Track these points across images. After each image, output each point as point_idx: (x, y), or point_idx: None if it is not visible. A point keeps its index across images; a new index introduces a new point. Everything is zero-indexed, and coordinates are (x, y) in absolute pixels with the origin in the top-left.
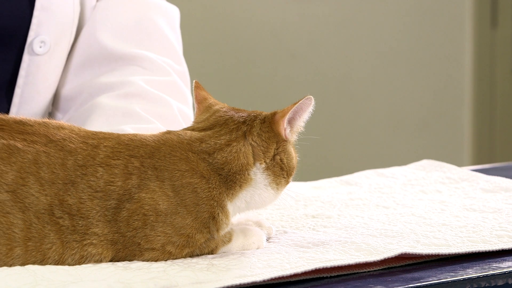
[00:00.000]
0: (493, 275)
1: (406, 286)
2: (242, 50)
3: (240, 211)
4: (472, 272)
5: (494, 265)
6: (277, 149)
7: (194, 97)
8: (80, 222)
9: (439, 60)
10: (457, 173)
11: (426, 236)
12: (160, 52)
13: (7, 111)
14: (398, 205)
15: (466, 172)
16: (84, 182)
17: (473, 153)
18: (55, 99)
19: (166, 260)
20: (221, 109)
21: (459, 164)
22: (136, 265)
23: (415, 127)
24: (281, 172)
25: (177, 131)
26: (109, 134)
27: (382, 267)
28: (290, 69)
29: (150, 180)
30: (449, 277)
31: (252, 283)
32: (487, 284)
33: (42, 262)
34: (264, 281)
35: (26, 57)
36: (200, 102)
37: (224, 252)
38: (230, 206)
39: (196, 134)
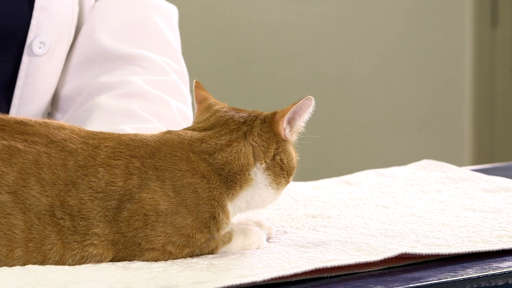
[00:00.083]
0: (493, 275)
1: (406, 286)
2: (242, 50)
3: (241, 211)
4: (472, 272)
5: (494, 265)
6: (277, 149)
7: (194, 97)
8: (81, 222)
9: (439, 60)
10: (457, 173)
11: (426, 236)
12: (159, 51)
13: (6, 112)
14: (398, 205)
15: (466, 172)
16: (85, 183)
17: (473, 153)
18: (54, 99)
19: (166, 260)
20: (222, 109)
21: (459, 164)
22: (136, 265)
23: (415, 127)
24: (281, 172)
25: (178, 131)
26: (110, 134)
27: (382, 267)
28: (290, 69)
29: (151, 180)
30: (449, 277)
31: (252, 283)
32: (487, 284)
33: (43, 263)
34: (264, 281)
35: (25, 58)
36: (200, 102)
37: (224, 252)
38: (231, 206)
39: (196, 134)
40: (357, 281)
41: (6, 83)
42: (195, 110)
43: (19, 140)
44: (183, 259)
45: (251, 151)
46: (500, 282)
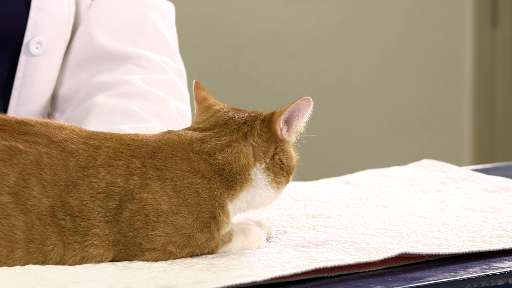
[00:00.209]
0: (493, 275)
1: (406, 286)
2: (242, 50)
3: (241, 211)
4: (472, 272)
5: (494, 265)
6: (276, 149)
7: (194, 97)
8: (81, 223)
9: (439, 60)
10: (457, 173)
11: (426, 236)
12: (156, 50)
13: (4, 112)
14: (398, 204)
15: (466, 172)
16: (86, 184)
17: (473, 153)
18: (52, 99)
19: (166, 260)
20: (222, 110)
21: (459, 164)
22: (136, 264)
23: (415, 127)
24: (281, 171)
25: (178, 131)
26: (110, 134)
27: (382, 267)
28: (290, 69)
29: (151, 180)
30: (449, 277)
31: (252, 283)
32: (487, 284)
33: (43, 263)
34: (264, 281)
35: (22, 58)
36: (200, 102)
37: (224, 252)
38: (231, 206)
39: (197, 134)
40: (357, 281)
41: (3, 83)
42: (195, 110)
43: (20, 140)
44: (183, 259)
45: (251, 151)
46: (500, 282)
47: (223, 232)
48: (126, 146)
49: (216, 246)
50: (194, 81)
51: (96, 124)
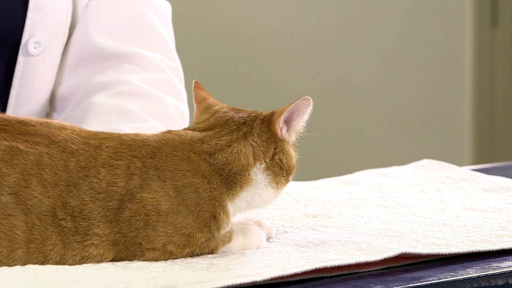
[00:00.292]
0: (493, 274)
1: (406, 285)
2: (242, 50)
3: (241, 211)
4: (472, 271)
5: (494, 264)
6: (275, 149)
7: (193, 97)
8: (82, 223)
9: (439, 60)
10: (457, 173)
11: (426, 236)
12: (153, 48)
13: (3, 112)
14: (398, 204)
15: (466, 172)
16: (86, 184)
17: (473, 153)
18: (50, 99)
19: (166, 260)
20: (221, 110)
21: (459, 163)
22: (136, 264)
23: (415, 127)
24: (280, 171)
25: (178, 131)
26: (111, 134)
27: (382, 267)
28: (290, 69)
29: (152, 180)
30: (449, 276)
31: (252, 282)
32: (487, 284)
33: (43, 263)
34: (264, 280)
35: (21, 58)
36: (199, 102)
37: (224, 252)
38: (231, 206)
39: (197, 134)
40: (357, 280)
41: (2, 83)
42: (195, 110)
43: (20, 140)
44: (183, 259)
45: (251, 151)
46: (500, 282)
47: (223, 231)
48: (127, 146)
49: (216, 246)
50: (193, 81)
51: (95, 124)
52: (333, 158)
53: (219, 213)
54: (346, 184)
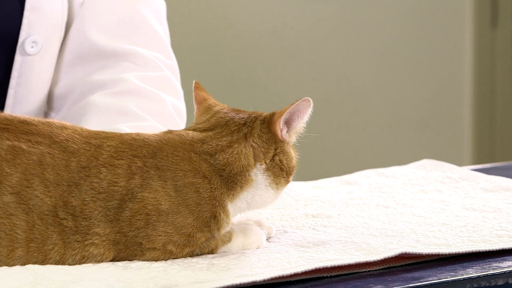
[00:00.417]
0: (493, 274)
1: (406, 285)
2: (242, 50)
3: (241, 211)
4: (472, 271)
5: (494, 264)
6: (275, 149)
7: (194, 97)
8: (82, 222)
9: (439, 60)
10: (457, 173)
11: (426, 236)
12: (149, 46)
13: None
14: (398, 204)
15: (466, 172)
16: (87, 184)
17: (473, 152)
18: (48, 98)
19: (166, 260)
20: (222, 110)
21: (459, 163)
22: (136, 264)
23: (415, 127)
24: (280, 172)
25: (179, 131)
26: (112, 133)
27: (382, 267)
28: (290, 69)
29: (152, 179)
30: (449, 276)
31: (252, 282)
32: (487, 284)
33: (43, 262)
34: (264, 280)
35: (18, 58)
36: (200, 102)
37: (224, 252)
38: (231, 207)
39: (198, 135)
40: (357, 280)
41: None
42: (195, 111)
43: (23, 140)
44: (183, 258)
45: (252, 152)
46: (500, 282)
47: (223, 231)
48: (128, 145)
49: (216, 246)
50: (194, 81)
51: (93, 123)
52: (333, 158)
53: (219, 213)
54: (346, 184)
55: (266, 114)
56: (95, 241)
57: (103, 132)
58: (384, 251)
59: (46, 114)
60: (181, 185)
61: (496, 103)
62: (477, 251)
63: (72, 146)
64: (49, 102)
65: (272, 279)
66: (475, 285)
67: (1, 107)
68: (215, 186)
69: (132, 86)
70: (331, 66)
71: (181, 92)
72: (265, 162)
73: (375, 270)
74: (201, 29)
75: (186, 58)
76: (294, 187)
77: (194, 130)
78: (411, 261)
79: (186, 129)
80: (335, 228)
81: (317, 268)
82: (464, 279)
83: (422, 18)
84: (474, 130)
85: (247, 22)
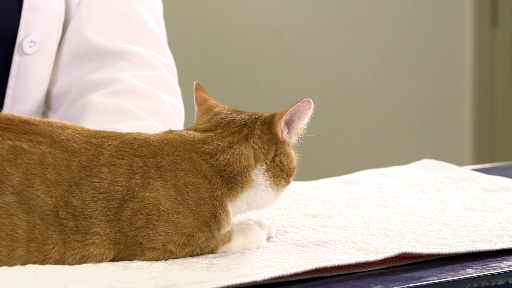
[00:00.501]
0: (493, 274)
1: (406, 285)
2: (242, 50)
3: (241, 212)
4: (472, 271)
5: (494, 264)
6: (276, 150)
7: (194, 98)
8: (83, 222)
9: (439, 60)
10: (457, 173)
11: (426, 236)
12: (147, 45)
13: None
14: (398, 204)
15: (466, 172)
16: (88, 184)
17: (473, 152)
18: (46, 98)
19: (166, 260)
20: (222, 111)
21: (459, 163)
22: (136, 264)
23: (415, 127)
24: (281, 173)
25: (180, 131)
26: (113, 133)
27: (382, 267)
28: (290, 69)
29: (153, 179)
30: (449, 276)
31: (252, 282)
32: (487, 284)
33: (43, 262)
34: (264, 280)
35: (16, 58)
36: (200, 103)
37: (224, 252)
38: (231, 207)
39: (199, 135)
40: (357, 280)
41: None
42: (195, 112)
43: (24, 140)
44: (183, 258)
45: (252, 153)
46: (500, 282)
47: (223, 231)
48: (129, 145)
49: (216, 246)
50: (194, 82)
51: (92, 123)
52: (333, 158)
53: (220, 212)
54: (346, 184)
55: (266, 115)
56: (96, 241)
57: (104, 131)
58: (384, 251)
59: (44, 114)
60: (182, 185)
61: (496, 103)
62: (477, 251)
63: (73, 146)
64: (47, 102)
65: (272, 279)
66: (475, 285)
67: (0, 107)
68: (216, 186)
69: (130, 85)
70: (331, 66)
71: (178, 90)
72: (265, 163)
73: (375, 270)
74: (201, 30)
75: (186, 58)
76: (294, 187)
77: (195, 130)
78: (411, 261)
79: (187, 129)
80: (335, 228)
81: (317, 268)
82: (464, 279)
83: (422, 18)
84: (474, 130)
85: (247, 22)
